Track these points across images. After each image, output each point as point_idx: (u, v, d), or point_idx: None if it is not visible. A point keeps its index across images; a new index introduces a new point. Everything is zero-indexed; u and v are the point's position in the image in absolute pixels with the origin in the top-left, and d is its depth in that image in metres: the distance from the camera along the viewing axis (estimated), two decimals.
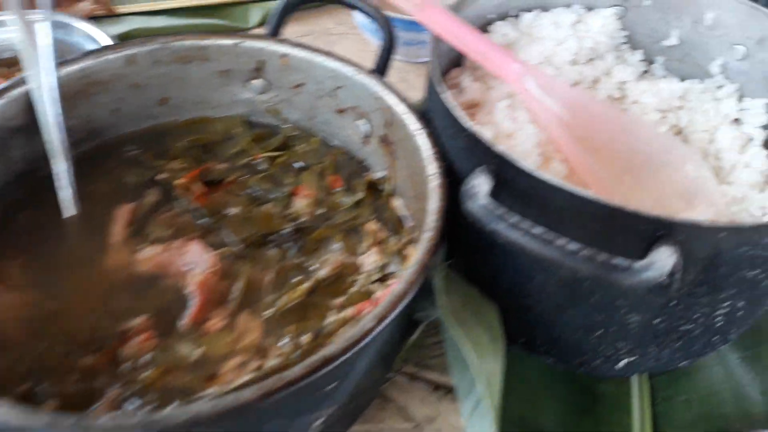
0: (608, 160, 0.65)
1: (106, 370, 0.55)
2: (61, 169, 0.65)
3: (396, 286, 0.51)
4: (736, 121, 0.72)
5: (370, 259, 0.65)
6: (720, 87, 0.74)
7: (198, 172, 0.69)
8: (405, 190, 0.68)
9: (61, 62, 0.66)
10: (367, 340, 0.47)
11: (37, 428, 0.42)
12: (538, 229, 0.46)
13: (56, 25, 0.79)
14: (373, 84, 0.67)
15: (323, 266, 0.64)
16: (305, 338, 0.58)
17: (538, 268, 0.57)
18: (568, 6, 0.77)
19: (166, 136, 0.74)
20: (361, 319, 0.50)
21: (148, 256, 0.64)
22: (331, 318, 0.60)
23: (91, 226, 0.65)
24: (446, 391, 0.68)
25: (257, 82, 0.73)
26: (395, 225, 0.68)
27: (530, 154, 0.62)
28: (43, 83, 0.64)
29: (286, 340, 0.58)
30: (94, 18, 1.00)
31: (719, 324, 0.61)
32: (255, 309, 0.61)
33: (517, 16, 0.76)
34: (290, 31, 1.09)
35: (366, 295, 0.63)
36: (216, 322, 0.60)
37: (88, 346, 0.56)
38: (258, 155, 0.72)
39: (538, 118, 0.64)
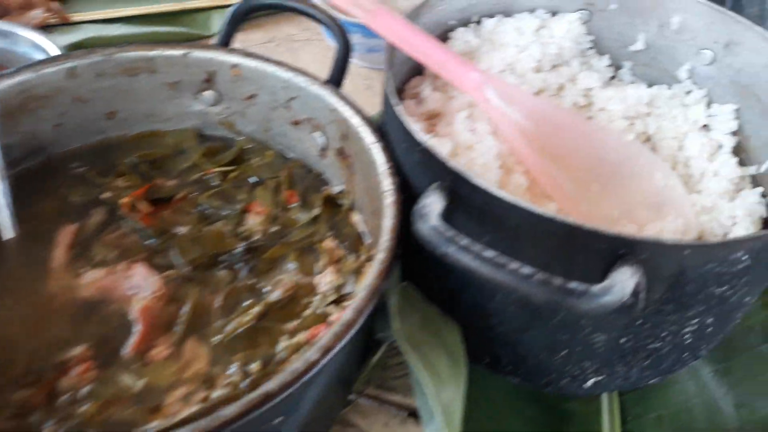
0: (573, 171, 0.63)
1: (43, 404, 0.53)
2: None
3: (344, 313, 0.48)
4: (705, 127, 0.70)
5: (326, 279, 0.62)
6: (688, 92, 0.72)
7: (144, 190, 0.66)
8: (363, 205, 0.65)
9: None
10: (312, 373, 0.44)
11: None
12: (489, 253, 0.44)
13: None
14: (327, 95, 0.64)
15: (276, 288, 0.61)
16: (255, 366, 0.56)
17: (498, 287, 0.55)
18: (531, 11, 0.74)
19: (115, 151, 0.71)
20: (314, 344, 0.47)
21: (92, 280, 0.61)
22: (284, 343, 0.58)
23: (31, 249, 0.62)
24: (410, 413, 0.65)
25: (209, 94, 0.70)
26: (354, 241, 0.66)
27: (490, 166, 0.60)
28: None
29: (235, 368, 0.56)
30: (47, 27, 0.96)
31: (688, 341, 0.59)
32: (203, 335, 0.58)
33: (479, 22, 0.74)
34: (252, 38, 1.07)
35: (321, 318, 0.60)
36: (161, 350, 0.57)
37: (23, 379, 0.53)
38: (210, 170, 0.69)
39: (498, 128, 0.62)
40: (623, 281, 0.45)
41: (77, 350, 0.55)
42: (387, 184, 0.57)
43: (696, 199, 0.65)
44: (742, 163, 0.68)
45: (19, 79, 0.64)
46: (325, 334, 0.47)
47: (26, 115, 0.65)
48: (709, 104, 0.71)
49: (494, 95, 0.61)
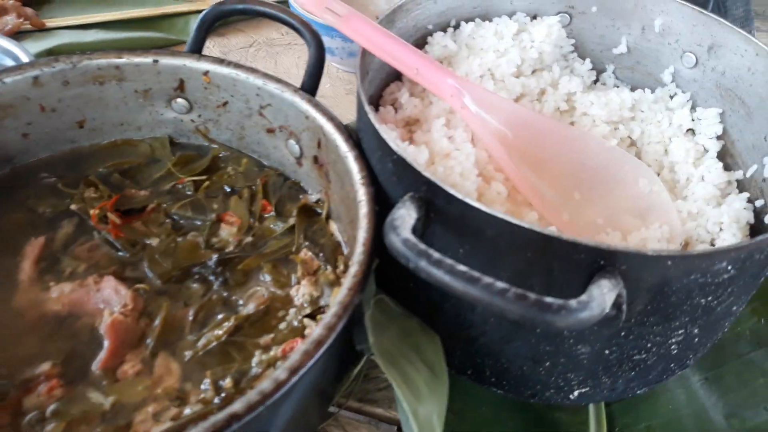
0: (554, 178, 0.62)
1: (7, 423, 0.51)
2: None
3: (314, 330, 0.46)
4: (690, 131, 0.69)
5: (302, 291, 0.61)
6: (672, 96, 0.71)
7: (113, 201, 0.64)
8: (341, 214, 0.64)
9: None
10: (280, 393, 0.43)
11: None
12: (462, 267, 0.42)
13: None
14: (300, 102, 0.62)
15: (250, 300, 0.60)
16: (228, 382, 0.54)
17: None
18: (510, 15, 0.73)
19: (87, 161, 0.69)
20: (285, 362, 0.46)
21: (60, 293, 0.59)
22: (259, 358, 0.56)
23: None
24: (393, 424, 0.63)
25: (181, 101, 0.68)
26: (333, 252, 0.64)
27: (469, 175, 0.58)
28: None
29: (208, 384, 0.54)
30: (20, 33, 0.94)
31: (675, 351, 0.57)
32: (174, 350, 0.57)
33: (457, 26, 0.72)
34: (233, 42, 1.05)
35: (298, 331, 0.58)
36: (131, 366, 0.56)
37: None
38: (183, 179, 0.68)
39: (476, 136, 0.60)
40: (603, 294, 0.43)
41: (44, 367, 0.54)
42: (362, 193, 0.55)
43: (682, 205, 0.64)
44: (727, 167, 0.67)
45: None
46: (294, 352, 0.45)
47: None
48: (693, 108, 0.70)
49: (471, 102, 0.59)
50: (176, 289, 0.60)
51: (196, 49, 0.66)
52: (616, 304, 0.47)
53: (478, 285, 0.41)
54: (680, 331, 0.55)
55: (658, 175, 0.67)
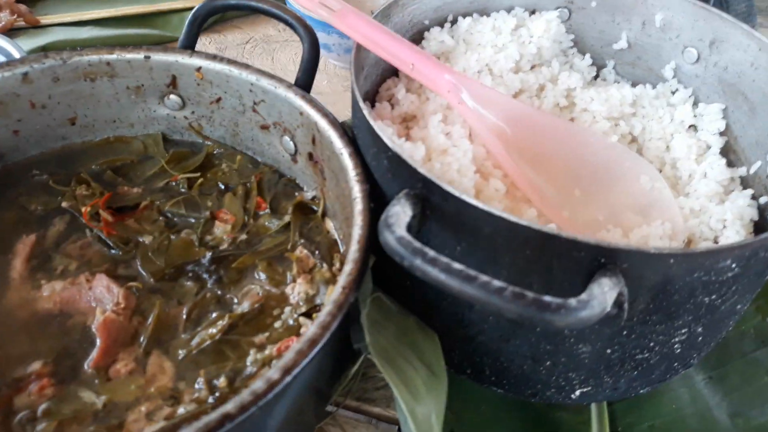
0: (554, 175, 0.61)
1: None
2: None
3: (309, 329, 0.45)
4: (692, 127, 0.68)
5: (297, 289, 0.60)
6: (674, 92, 0.70)
7: (105, 198, 0.63)
8: (336, 212, 0.63)
9: None
10: (273, 393, 0.42)
11: None
12: (458, 265, 0.41)
13: None
14: (294, 98, 0.61)
15: (245, 299, 0.59)
16: (222, 381, 0.53)
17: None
18: (509, 10, 0.72)
19: (79, 158, 0.68)
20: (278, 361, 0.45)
21: (52, 292, 0.59)
22: (254, 357, 0.55)
23: None
24: (392, 424, 0.63)
25: (174, 98, 0.67)
26: (329, 249, 0.63)
27: (466, 172, 0.57)
28: None
29: (202, 383, 0.53)
30: (14, 30, 0.93)
31: (678, 350, 0.57)
32: (168, 349, 0.56)
33: (455, 21, 0.71)
34: (229, 39, 1.04)
35: (293, 330, 0.58)
36: (124, 365, 0.55)
37: None
38: (177, 176, 0.67)
39: (474, 132, 0.59)
40: (603, 293, 0.42)
41: (35, 365, 0.53)
42: (357, 191, 0.54)
43: (684, 202, 0.62)
44: (730, 164, 0.66)
45: None
46: (288, 352, 0.44)
47: None
48: (695, 104, 0.69)
49: (469, 98, 0.58)
50: (169, 287, 0.59)
51: (189, 45, 0.65)
52: (618, 303, 0.46)
53: (474, 283, 0.40)
54: (683, 330, 0.54)
55: (660, 171, 0.66)
